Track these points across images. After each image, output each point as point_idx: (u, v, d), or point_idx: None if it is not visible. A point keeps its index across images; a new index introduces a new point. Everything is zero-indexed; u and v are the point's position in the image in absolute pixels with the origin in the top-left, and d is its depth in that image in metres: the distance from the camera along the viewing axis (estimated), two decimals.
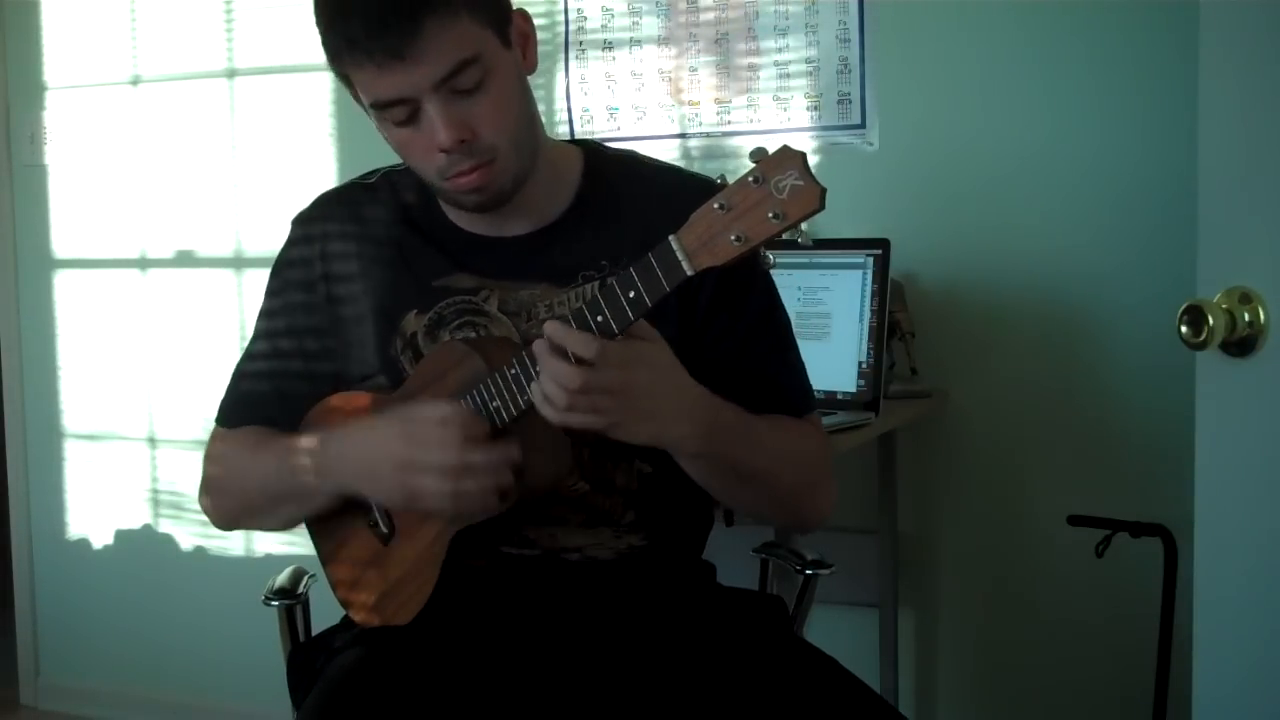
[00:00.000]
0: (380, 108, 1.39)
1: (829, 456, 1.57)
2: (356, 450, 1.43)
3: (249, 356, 1.62)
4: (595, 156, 1.57)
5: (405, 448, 1.36)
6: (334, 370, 1.55)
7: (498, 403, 1.35)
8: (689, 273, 1.22)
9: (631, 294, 1.24)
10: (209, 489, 1.61)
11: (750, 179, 1.19)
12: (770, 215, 1.18)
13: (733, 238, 1.19)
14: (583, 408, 1.26)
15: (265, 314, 1.61)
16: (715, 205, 1.20)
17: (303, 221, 1.60)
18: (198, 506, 1.65)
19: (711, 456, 1.40)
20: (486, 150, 1.40)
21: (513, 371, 1.33)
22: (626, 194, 1.53)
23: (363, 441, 1.43)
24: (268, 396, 1.58)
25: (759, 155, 1.20)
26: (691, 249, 1.21)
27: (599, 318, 1.25)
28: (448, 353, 1.43)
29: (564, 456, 1.41)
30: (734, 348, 1.50)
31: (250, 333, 1.63)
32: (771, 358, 1.54)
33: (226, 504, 1.61)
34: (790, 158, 1.18)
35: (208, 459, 1.62)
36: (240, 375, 1.62)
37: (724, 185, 1.24)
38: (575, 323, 1.27)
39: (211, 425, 1.64)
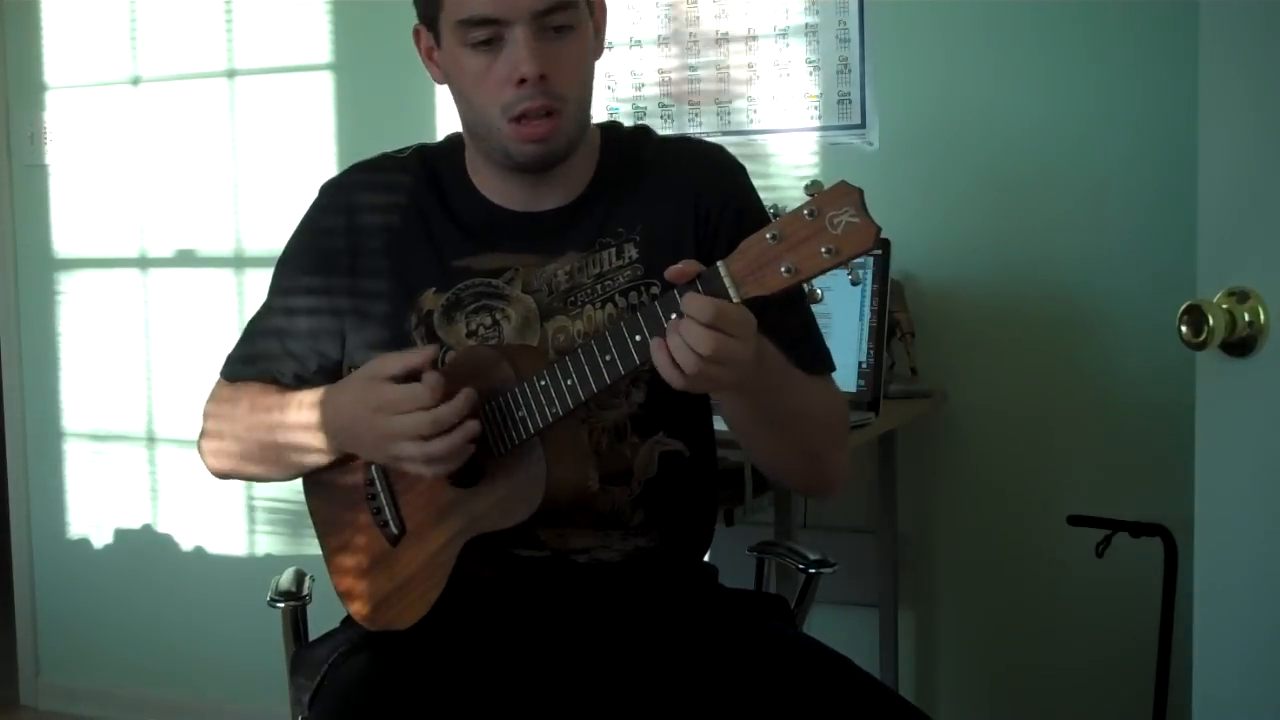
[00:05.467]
0: (469, 25, 1.41)
1: (847, 421, 1.57)
2: (340, 414, 1.45)
3: (262, 314, 1.62)
4: (612, 132, 1.60)
5: (375, 414, 1.37)
6: (345, 337, 1.56)
7: (523, 413, 1.34)
8: (734, 300, 1.21)
9: (674, 315, 1.23)
10: (208, 438, 1.63)
11: (805, 212, 1.18)
12: (824, 250, 1.17)
13: (784, 269, 1.19)
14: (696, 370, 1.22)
15: (281, 279, 1.61)
16: (767, 235, 1.19)
17: (331, 190, 1.60)
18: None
19: (754, 392, 1.36)
20: (557, 97, 1.42)
21: (542, 383, 1.32)
22: (641, 163, 1.55)
23: (341, 406, 1.44)
24: (275, 355, 1.59)
25: (814, 189, 1.18)
26: (739, 276, 1.21)
27: (637, 337, 1.26)
28: (475, 356, 1.42)
29: (587, 466, 1.40)
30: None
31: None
32: (797, 313, 1.52)
33: (226, 454, 1.62)
34: (847, 193, 1.17)
35: (209, 409, 1.63)
36: (251, 331, 1.63)
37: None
38: (612, 340, 1.27)
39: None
